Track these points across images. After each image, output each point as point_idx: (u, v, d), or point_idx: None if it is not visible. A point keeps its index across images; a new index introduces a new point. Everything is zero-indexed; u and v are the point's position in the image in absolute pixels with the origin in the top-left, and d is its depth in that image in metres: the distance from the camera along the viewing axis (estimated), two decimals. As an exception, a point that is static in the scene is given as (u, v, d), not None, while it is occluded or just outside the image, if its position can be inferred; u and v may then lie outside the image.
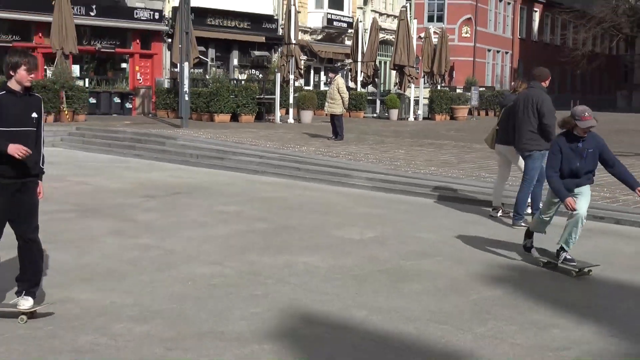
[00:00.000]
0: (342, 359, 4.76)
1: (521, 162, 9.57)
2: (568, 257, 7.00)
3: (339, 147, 16.83)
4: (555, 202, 7.20)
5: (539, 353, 4.93)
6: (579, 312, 5.84)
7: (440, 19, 55.44)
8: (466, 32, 56.93)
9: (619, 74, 74.46)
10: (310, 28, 37.27)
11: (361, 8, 40.95)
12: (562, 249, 7.07)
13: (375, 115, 33.06)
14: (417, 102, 31.71)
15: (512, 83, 10.39)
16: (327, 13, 37.77)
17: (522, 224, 9.14)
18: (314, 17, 37.68)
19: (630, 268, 7.31)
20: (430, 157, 15.50)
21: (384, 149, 16.70)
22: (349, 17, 38.79)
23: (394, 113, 30.99)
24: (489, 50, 60.02)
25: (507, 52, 62.78)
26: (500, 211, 10.03)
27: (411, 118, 30.91)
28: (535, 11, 66.90)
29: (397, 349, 4.96)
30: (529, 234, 7.70)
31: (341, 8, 38.83)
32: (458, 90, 37.28)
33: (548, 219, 7.43)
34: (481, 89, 40.49)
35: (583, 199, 6.99)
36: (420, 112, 31.65)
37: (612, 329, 5.45)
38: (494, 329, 5.40)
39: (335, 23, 38.17)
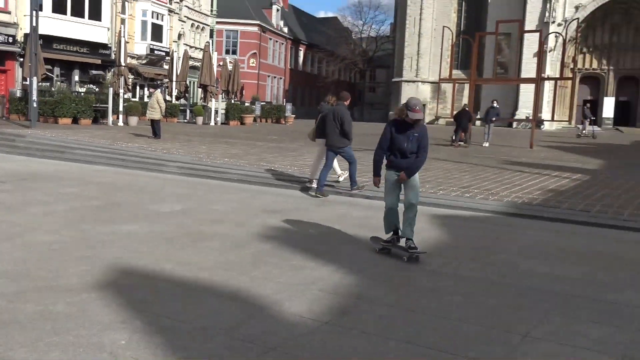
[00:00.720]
0: (152, 299, 4.58)
1: (325, 154, 10.25)
2: (413, 245, 6.10)
3: (157, 144, 16.22)
4: (393, 189, 6.31)
5: (295, 287, 5.04)
6: (323, 257, 6.01)
7: (234, 52, 55.41)
8: (253, 63, 57.22)
9: (355, 96, 78.12)
10: (136, 54, 35.69)
11: (176, 41, 39.81)
12: (402, 238, 6.27)
13: (185, 120, 32.26)
14: (217, 112, 31.34)
15: (327, 97, 11.10)
16: (150, 44, 36.48)
17: (356, 190, 10.06)
18: (139, 46, 36.24)
19: (357, 226, 7.65)
20: (225, 151, 15.37)
21: (191, 146, 16.32)
22: (166, 47, 37.64)
23: (200, 119, 30.45)
24: (269, 76, 60.77)
25: (281, 78, 63.84)
26: (314, 182, 10.48)
27: (212, 123, 30.44)
28: (301, 49, 68.51)
29: (195, 290, 4.85)
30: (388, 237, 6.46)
31: (160, 40, 37.61)
32: (246, 104, 37.30)
33: (391, 207, 6.30)
34: (262, 103, 40.90)
35: (412, 191, 6.19)
36: (219, 118, 31.28)
37: (342, 267, 5.67)
38: (265, 272, 5.43)
39: (156, 51, 36.90)
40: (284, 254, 6.14)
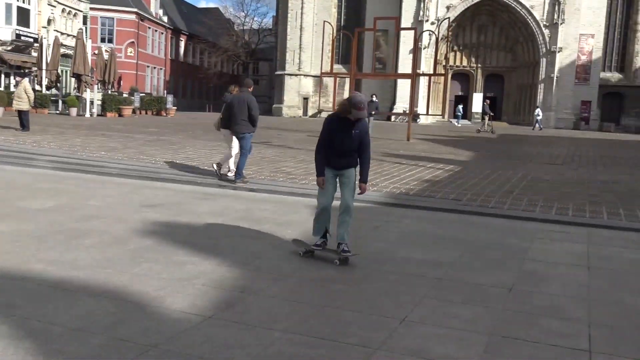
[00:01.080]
0: (20, 302, 4.26)
1: (235, 142, 10.28)
2: (346, 248, 5.80)
3: (25, 137, 15.15)
4: (328, 189, 5.92)
5: (178, 282, 4.91)
6: (207, 251, 5.90)
7: (110, 40, 53.02)
8: (131, 52, 55.04)
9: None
10: (0, 40, 33.08)
11: (45, 27, 37.31)
12: (329, 238, 6.04)
13: (58, 112, 30.41)
14: (92, 103, 29.83)
15: (230, 87, 11.16)
16: (16, 29, 33.98)
17: (240, 182, 10.00)
18: (3, 32, 33.66)
19: (240, 219, 7.60)
20: (102, 144, 14.66)
21: (64, 138, 15.41)
22: (35, 33, 35.22)
23: (74, 110, 28.84)
24: (148, 67, 58.77)
25: (161, 69, 61.97)
26: (221, 168, 10.55)
27: (87, 115, 28.95)
28: (182, 40, 66.87)
29: (69, 290, 4.58)
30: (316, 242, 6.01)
31: (28, 26, 35.17)
32: (124, 95, 35.87)
33: (325, 207, 5.93)
34: (142, 94, 39.55)
35: (350, 192, 5.88)
36: (94, 110, 29.81)
37: (226, 260, 5.57)
38: (146, 269, 5.25)
39: (23, 37, 34.46)
40: (166, 249, 5.96)
